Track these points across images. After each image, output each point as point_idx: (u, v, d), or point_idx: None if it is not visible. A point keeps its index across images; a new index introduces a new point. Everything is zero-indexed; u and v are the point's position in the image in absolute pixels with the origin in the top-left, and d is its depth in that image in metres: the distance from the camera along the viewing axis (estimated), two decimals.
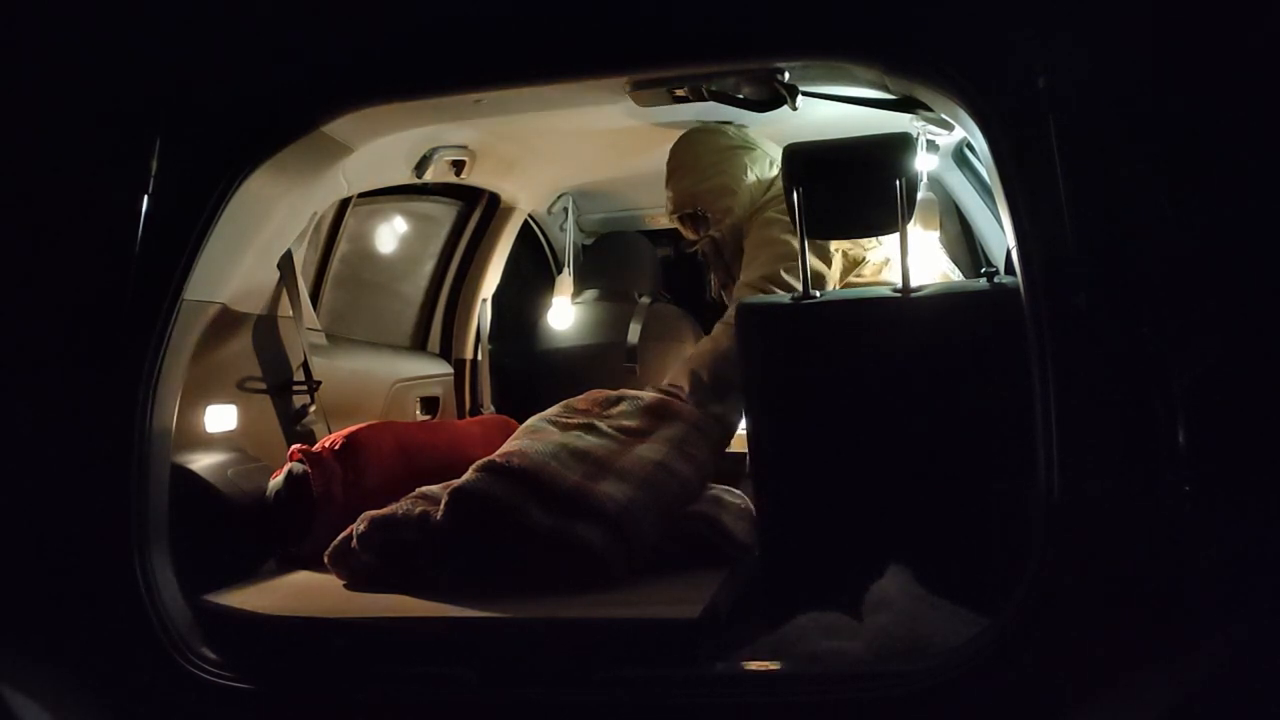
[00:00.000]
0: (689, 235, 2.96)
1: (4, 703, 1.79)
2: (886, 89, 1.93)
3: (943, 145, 2.87)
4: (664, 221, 3.51)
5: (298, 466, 2.28)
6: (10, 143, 1.88)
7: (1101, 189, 1.52)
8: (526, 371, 3.71)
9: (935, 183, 3.10)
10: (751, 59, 1.92)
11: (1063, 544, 1.48)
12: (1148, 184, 1.50)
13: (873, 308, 2.06)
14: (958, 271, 2.84)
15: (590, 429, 2.30)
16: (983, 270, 2.19)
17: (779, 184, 2.61)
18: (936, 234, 2.69)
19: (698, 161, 2.80)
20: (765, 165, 2.82)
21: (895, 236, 2.05)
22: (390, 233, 3.24)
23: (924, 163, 2.57)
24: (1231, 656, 1.43)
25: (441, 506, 2.00)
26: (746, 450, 2.19)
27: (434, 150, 2.74)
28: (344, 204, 2.86)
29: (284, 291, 2.51)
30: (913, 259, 2.03)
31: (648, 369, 3.59)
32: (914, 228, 2.51)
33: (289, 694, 1.77)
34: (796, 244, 2.14)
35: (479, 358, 3.59)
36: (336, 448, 2.31)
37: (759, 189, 2.80)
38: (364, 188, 2.72)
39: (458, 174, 2.94)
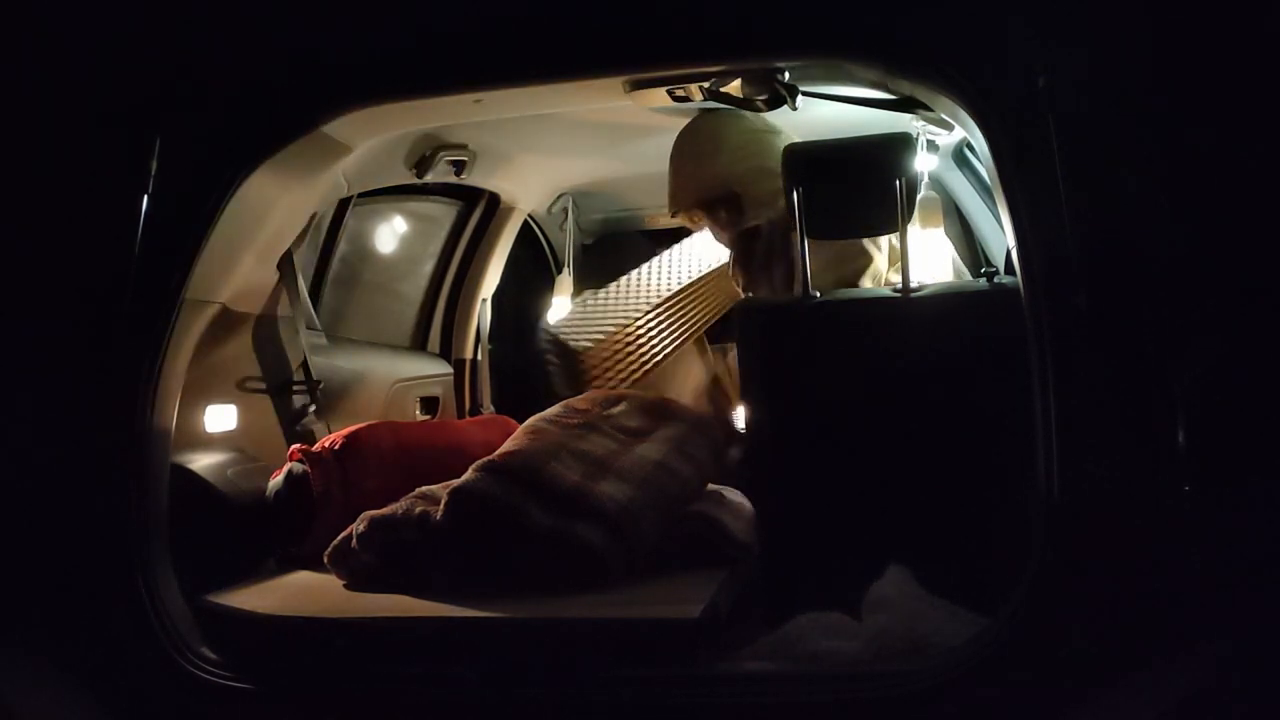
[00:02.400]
0: (713, 226, 2.67)
1: (4, 703, 1.79)
2: (886, 89, 1.93)
3: (943, 145, 2.86)
4: (664, 221, 3.49)
5: (297, 466, 2.27)
6: (10, 143, 1.88)
7: (1101, 189, 1.52)
8: (526, 371, 3.72)
9: (935, 183, 3.10)
10: (751, 59, 1.92)
11: (1063, 544, 1.48)
12: (1148, 184, 1.50)
13: (872, 308, 2.06)
14: (966, 272, 2.83)
15: (590, 429, 2.30)
16: (983, 270, 2.19)
17: None
18: (940, 231, 2.68)
19: (725, 143, 2.55)
20: None
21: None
22: (390, 233, 3.25)
23: (924, 163, 2.57)
24: (1231, 657, 1.43)
25: (441, 506, 2.00)
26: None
27: (434, 150, 2.74)
28: (344, 204, 2.86)
29: (284, 291, 2.51)
30: (920, 257, 2.03)
31: None
32: (914, 226, 2.51)
33: (289, 694, 1.77)
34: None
35: (479, 358, 3.59)
36: (336, 448, 2.31)
37: None
38: (364, 188, 2.72)
39: (458, 174, 2.94)
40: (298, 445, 2.34)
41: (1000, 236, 2.74)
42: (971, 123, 1.63)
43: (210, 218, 1.84)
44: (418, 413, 3.27)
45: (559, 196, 3.66)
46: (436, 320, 3.50)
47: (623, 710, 1.65)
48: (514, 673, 1.70)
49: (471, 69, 1.84)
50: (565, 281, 3.65)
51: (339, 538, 2.07)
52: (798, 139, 2.32)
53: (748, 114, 2.55)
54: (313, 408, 2.60)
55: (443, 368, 3.46)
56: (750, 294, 2.68)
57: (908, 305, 1.97)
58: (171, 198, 1.83)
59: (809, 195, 2.07)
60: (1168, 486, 1.43)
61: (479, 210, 3.43)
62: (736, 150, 2.55)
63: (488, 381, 3.62)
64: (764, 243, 2.64)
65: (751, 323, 2.10)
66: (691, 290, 2.94)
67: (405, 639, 1.80)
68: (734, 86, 2.11)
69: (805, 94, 2.09)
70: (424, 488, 2.15)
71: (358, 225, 3.06)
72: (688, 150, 2.61)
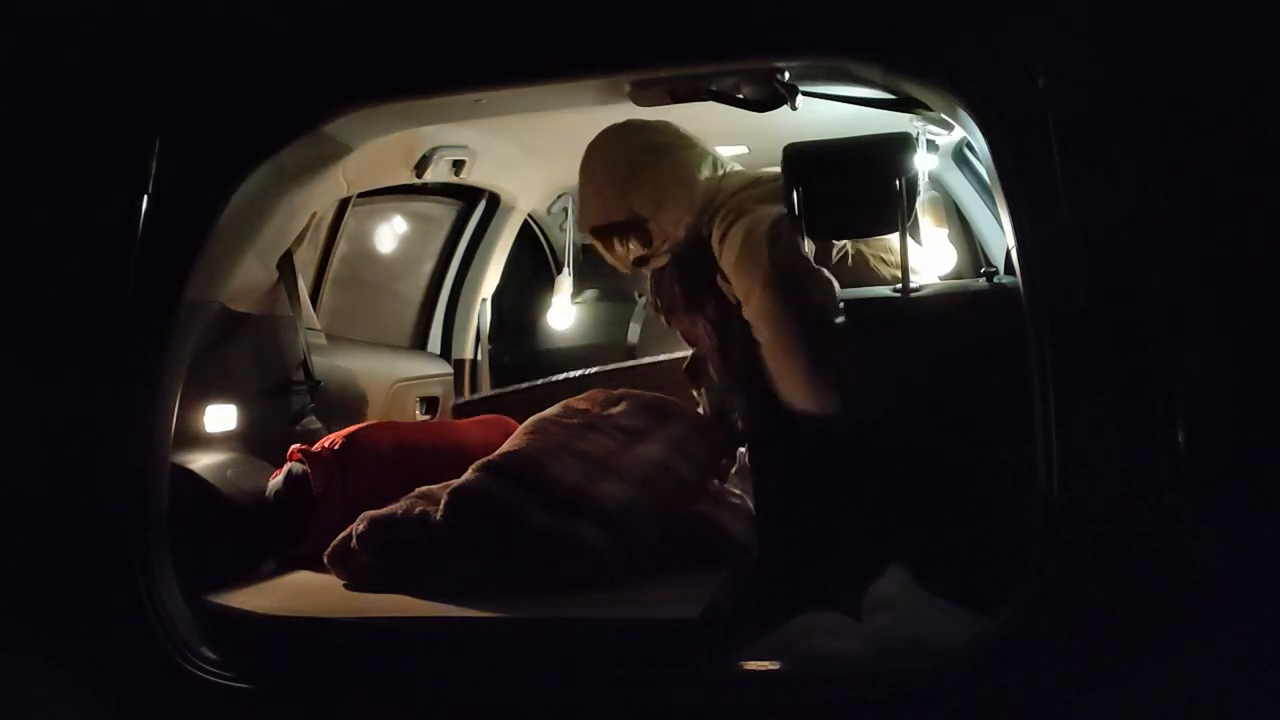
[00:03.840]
0: (616, 253, 2.49)
1: (4, 702, 1.79)
2: (886, 89, 1.93)
3: (943, 145, 2.86)
4: None
5: (297, 466, 2.27)
6: (11, 143, 1.88)
7: (1101, 189, 1.52)
8: (526, 371, 3.72)
9: (935, 183, 3.10)
10: (751, 59, 1.91)
11: (1063, 544, 1.48)
12: (1148, 184, 1.50)
13: (872, 308, 2.06)
14: None
15: (590, 429, 2.29)
16: (982, 270, 2.19)
17: (741, 178, 2.43)
18: (946, 232, 2.68)
19: (623, 163, 2.41)
20: (711, 163, 2.46)
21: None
22: (390, 233, 3.25)
23: (924, 163, 2.57)
24: (1232, 656, 1.43)
25: (441, 506, 1.99)
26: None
27: (434, 150, 2.74)
28: (344, 204, 2.86)
29: (284, 291, 2.51)
30: (926, 255, 2.03)
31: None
32: (925, 224, 2.51)
33: (289, 694, 1.77)
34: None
35: (479, 358, 3.59)
36: (336, 447, 2.31)
37: (713, 185, 2.41)
38: (364, 188, 2.72)
39: (457, 174, 2.94)
40: (297, 445, 2.34)
41: (1000, 236, 2.74)
42: (971, 123, 1.63)
43: (210, 218, 1.84)
44: (418, 413, 3.27)
45: (559, 196, 3.67)
46: (436, 320, 3.50)
47: (623, 710, 1.65)
48: (515, 673, 1.70)
49: (471, 69, 1.84)
50: (565, 281, 3.65)
51: (339, 538, 2.07)
52: (794, 139, 2.29)
53: (659, 124, 2.46)
54: (313, 408, 2.60)
55: (443, 368, 3.46)
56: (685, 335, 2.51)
57: (907, 305, 1.97)
58: (171, 198, 1.83)
59: (809, 195, 2.07)
60: (1168, 486, 1.43)
61: (479, 210, 3.43)
62: (640, 172, 2.39)
63: (488, 381, 3.62)
64: (674, 274, 2.45)
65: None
66: None
67: (405, 639, 1.80)
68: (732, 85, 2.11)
69: (805, 94, 2.08)
70: (424, 488, 2.15)
71: (358, 225, 3.06)
72: (591, 172, 2.47)
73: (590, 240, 2.56)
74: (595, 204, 2.46)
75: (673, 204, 2.37)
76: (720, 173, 2.47)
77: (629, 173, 2.40)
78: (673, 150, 2.44)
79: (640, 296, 3.82)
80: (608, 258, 2.55)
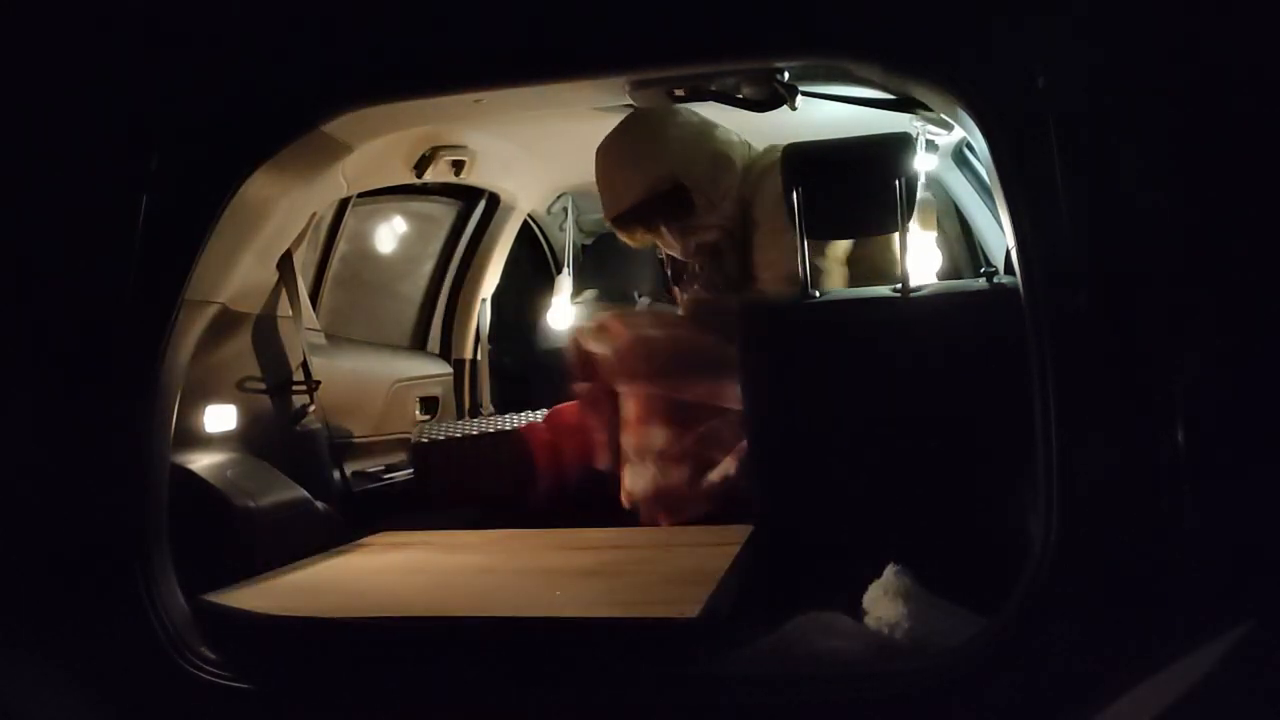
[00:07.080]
0: (640, 235, 2.55)
1: (4, 703, 1.79)
2: (886, 89, 1.93)
3: (943, 145, 2.86)
4: None
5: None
6: (10, 142, 1.88)
7: (1101, 189, 1.52)
8: (526, 372, 3.73)
9: (935, 183, 3.11)
10: (751, 59, 1.92)
11: (1062, 543, 1.48)
12: (1148, 184, 1.50)
13: (872, 308, 2.06)
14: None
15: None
16: (982, 270, 2.19)
17: (770, 150, 2.49)
18: (934, 235, 2.68)
19: (664, 134, 2.43)
20: (746, 149, 2.56)
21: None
22: (390, 233, 3.25)
23: (924, 163, 2.57)
24: (1232, 656, 1.43)
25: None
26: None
27: (434, 150, 2.74)
28: (344, 204, 2.86)
29: (284, 291, 2.51)
30: (912, 258, 2.03)
31: None
32: (913, 227, 2.51)
33: (289, 694, 1.77)
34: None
35: (479, 358, 3.59)
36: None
37: (749, 153, 2.52)
38: (364, 188, 2.72)
39: (457, 174, 2.95)
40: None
41: (1000, 236, 2.74)
42: (971, 123, 1.62)
43: (210, 218, 1.84)
44: (417, 413, 3.27)
45: (559, 196, 3.67)
46: (436, 320, 3.51)
47: (623, 710, 1.65)
48: (514, 673, 1.70)
49: (471, 69, 1.84)
50: (565, 281, 3.66)
51: (669, 484, 2.31)
52: (794, 139, 2.31)
53: (682, 109, 2.50)
54: (312, 408, 2.61)
55: (443, 368, 3.47)
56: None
57: (907, 305, 1.97)
58: (171, 198, 1.83)
59: (809, 195, 2.07)
60: (1168, 486, 1.43)
61: (479, 210, 3.43)
62: (678, 140, 2.44)
63: (488, 381, 3.63)
64: (715, 251, 2.50)
65: (753, 322, 2.10)
66: None
67: (405, 639, 1.80)
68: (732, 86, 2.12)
69: (805, 94, 2.09)
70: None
71: (358, 225, 3.06)
72: (623, 147, 2.47)
73: (614, 228, 2.60)
74: (633, 181, 2.45)
75: (726, 172, 2.44)
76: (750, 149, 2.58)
77: (679, 144, 2.44)
78: (714, 126, 2.51)
79: (640, 297, 3.82)
80: (638, 240, 2.57)
